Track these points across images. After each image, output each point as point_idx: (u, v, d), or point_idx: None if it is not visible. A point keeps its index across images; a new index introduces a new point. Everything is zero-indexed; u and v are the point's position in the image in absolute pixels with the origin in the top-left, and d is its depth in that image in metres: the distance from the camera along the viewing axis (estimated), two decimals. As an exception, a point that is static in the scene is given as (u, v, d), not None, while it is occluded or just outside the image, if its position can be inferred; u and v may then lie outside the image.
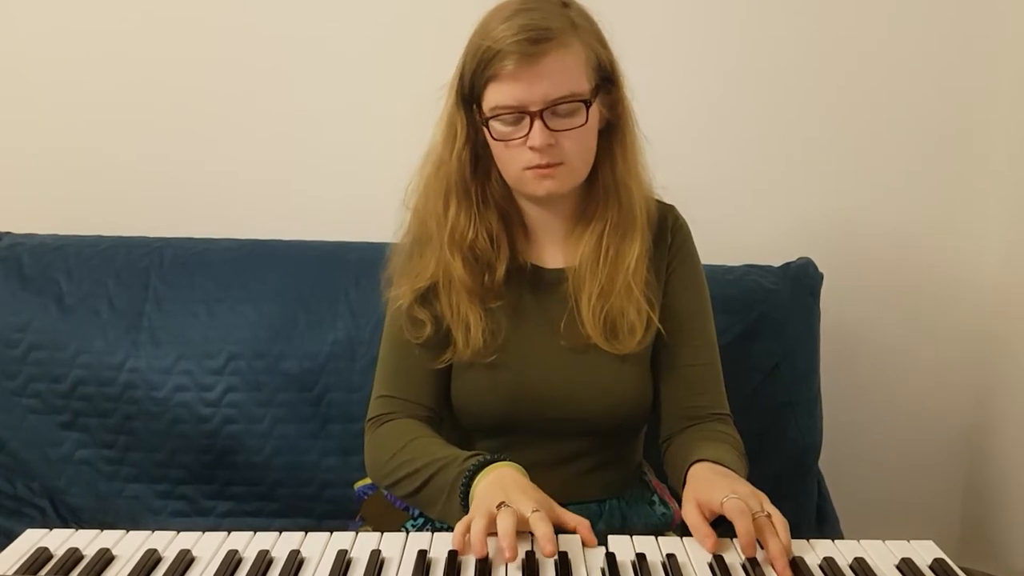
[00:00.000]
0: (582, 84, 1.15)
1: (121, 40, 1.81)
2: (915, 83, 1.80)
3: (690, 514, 1.04)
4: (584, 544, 1.00)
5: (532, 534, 0.97)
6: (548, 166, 1.15)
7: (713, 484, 1.06)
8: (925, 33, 1.78)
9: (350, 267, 1.65)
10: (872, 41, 1.79)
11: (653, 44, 1.75)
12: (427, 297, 1.25)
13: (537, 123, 1.13)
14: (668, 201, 1.32)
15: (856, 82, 1.80)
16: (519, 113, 1.13)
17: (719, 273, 1.64)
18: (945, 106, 1.81)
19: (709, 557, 0.99)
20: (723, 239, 1.61)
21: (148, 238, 1.72)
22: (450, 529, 1.01)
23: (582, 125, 1.15)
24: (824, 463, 1.68)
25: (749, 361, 1.60)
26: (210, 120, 1.84)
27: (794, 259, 1.71)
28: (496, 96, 1.14)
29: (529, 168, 1.16)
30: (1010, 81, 1.77)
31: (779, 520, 1.01)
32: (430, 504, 1.15)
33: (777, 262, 1.71)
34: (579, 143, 1.17)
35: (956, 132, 1.82)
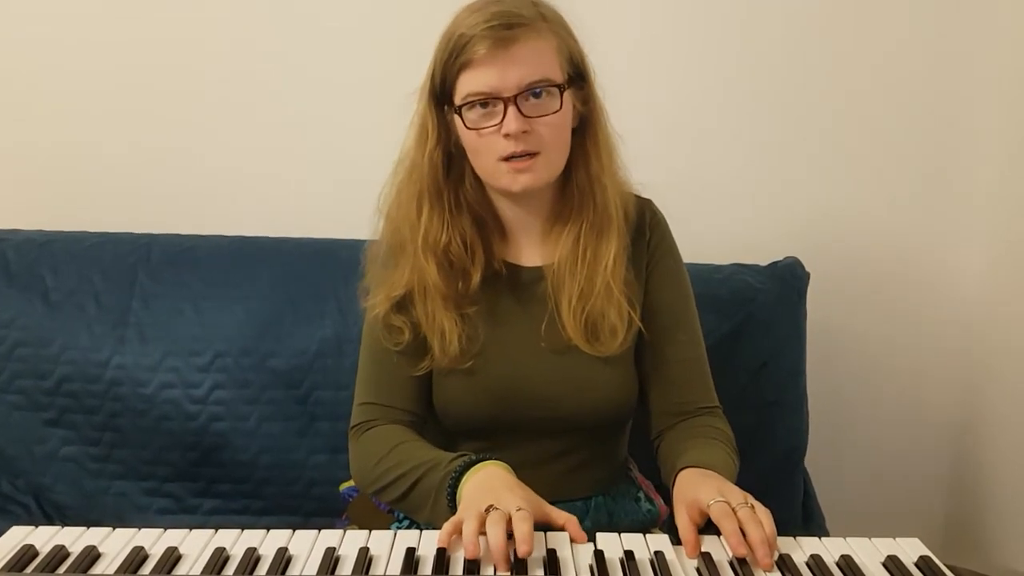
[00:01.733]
0: (555, 71, 1.15)
1: (109, 36, 1.80)
2: (903, 85, 1.81)
3: (680, 521, 1.05)
4: (573, 541, 1.00)
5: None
6: (524, 155, 1.14)
7: (698, 487, 1.07)
8: (914, 35, 1.79)
9: (339, 265, 1.64)
10: (861, 42, 1.80)
11: (642, 43, 1.76)
12: (403, 304, 1.24)
13: (511, 109, 1.12)
14: (657, 200, 1.32)
15: (844, 83, 1.81)
16: (492, 99, 1.13)
17: (706, 272, 1.64)
18: (932, 108, 1.82)
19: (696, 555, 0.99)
20: (711, 238, 1.61)
21: (135, 234, 1.71)
22: (439, 529, 1.00)
23: (557, 111, 1.15)
24: (810, 462, 1.69)
25: (736, 360, 1.61)
26: (199, 116, 1.83)
27: (781, 259, 1.71)
28: (469, 84, 1.13)
29: (504, 159, 1.15)
30: (999, 85, 1.78)
31: (762, 510, 1.02)
32: (418, 508, 1.15)
33: (764, 261, 1.71)
34: (554, 131, 1.16)
35: (943, 134, 1.83)
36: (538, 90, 1.13)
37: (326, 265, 1.65)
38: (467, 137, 1.17)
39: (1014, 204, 1.76)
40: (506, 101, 1.12)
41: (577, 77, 1.19)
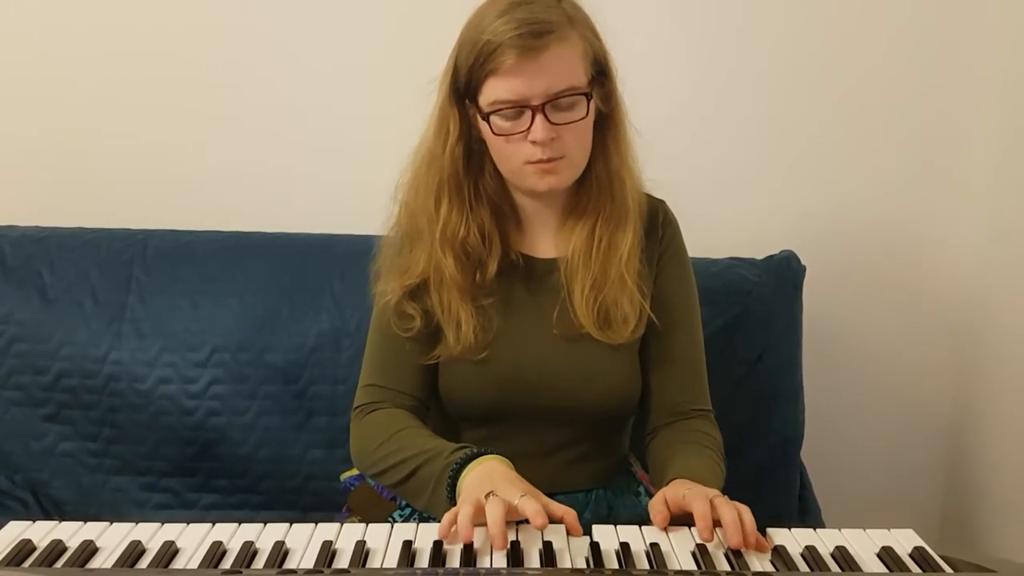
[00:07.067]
0: (581, 77, 1.15)
1: (106, 32, 1.79)
2: (898, 78, 1.81)
3: (655, 500, 1.07)
4: (569, 533, 1.00)
5: (518, 523, 0.98)
6: (550, 160, 1.15)
7: (679, 485, 1.09)
8: (909, 29, 1.79)
9: (335, 259, 1.65)
10: (857, 37, 1.79)
11: (640, 38, 1.75)
12: (417, 293, 1.25)
13: (539, 117, 1.13)
14: (655, 195, 1.32)
15: (840, 77, 1.81)
16: (519, 107, 1.13)
17: (703, 266, 1.63)
18: (928, 101, 1.82)
19: (692, 546, 1.00)
20: (707, 232, 1.61)
21: (131, 230, 1.71)
22: (436, 519, 1.01)
23: (583, 118, 1.15)
24: (806, 454, 1.69)
25: (732, 353, 1.61)
26: (195, 112, 1.82)
27: (777, 252, 1.72)
28: (495, 91, 1.13)
29: (530, 163, 1.16)
30: (993, 79, 1.78)
31: (742, 506, 1.03)
32: (416, 495, 1.16)
33: (760, 255, 1.72)
34: (579, 136, 1.17)
35: (939, 128, 1.83)
36: (566, 98, 1.14)
37: (322, 260, 1.65)
38: (493, 141, 1.18)
39: (1011, 197, 1.76)
40: (534, 109, 1.13)
41: (599, 75, 1.19)
